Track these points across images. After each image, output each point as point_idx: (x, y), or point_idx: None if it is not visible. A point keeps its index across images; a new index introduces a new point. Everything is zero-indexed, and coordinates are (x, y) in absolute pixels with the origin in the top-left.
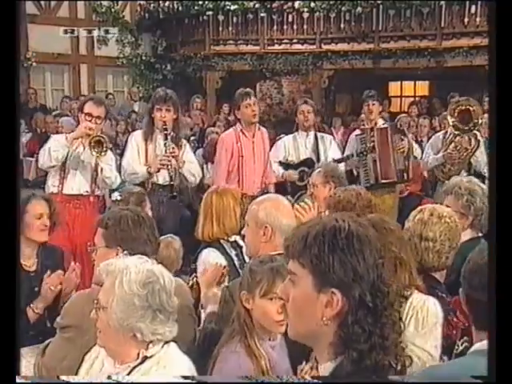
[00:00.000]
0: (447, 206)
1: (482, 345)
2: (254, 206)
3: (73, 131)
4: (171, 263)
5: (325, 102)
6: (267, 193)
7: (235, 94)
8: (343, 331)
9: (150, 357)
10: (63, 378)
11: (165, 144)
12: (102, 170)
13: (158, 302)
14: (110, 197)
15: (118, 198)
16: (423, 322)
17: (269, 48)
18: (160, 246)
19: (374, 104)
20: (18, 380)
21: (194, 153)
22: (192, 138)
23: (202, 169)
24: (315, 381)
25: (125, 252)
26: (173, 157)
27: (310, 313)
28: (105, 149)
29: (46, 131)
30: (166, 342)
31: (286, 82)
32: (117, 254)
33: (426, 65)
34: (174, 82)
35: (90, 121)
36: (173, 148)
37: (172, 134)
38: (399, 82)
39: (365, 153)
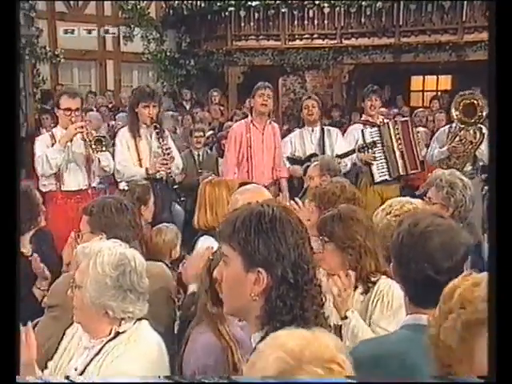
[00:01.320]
0: (429, 198)
1: (411, 318)
2: (236, 195)
3: (98, 126)
4: (159, 250)
5: (346, 96)
6: (278, 185)
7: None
8: (268, 305)
9: (122, 332)
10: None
11: (159, 144)
12: (99, 160)
13: (129, 283)
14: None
15: (126, 187)
16: (388, 305)
17: (290, 43)
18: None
19: (376, 100)
20: (17, 380)
21: (212, 147)
22: (210, 133)
23: (217, 163)
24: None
25: (100, 237)
26: (169, 157)
27: (240, 290)
28: (105, 145)
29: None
30: (139, 320)
31: (310, 77)
32: (100, 239)
33: (447, 59)
34: (197, 77)
35: (69, 115)
36: (168, 148)
37: (159, 127)
38: (421, 77)
39: (382, 146)
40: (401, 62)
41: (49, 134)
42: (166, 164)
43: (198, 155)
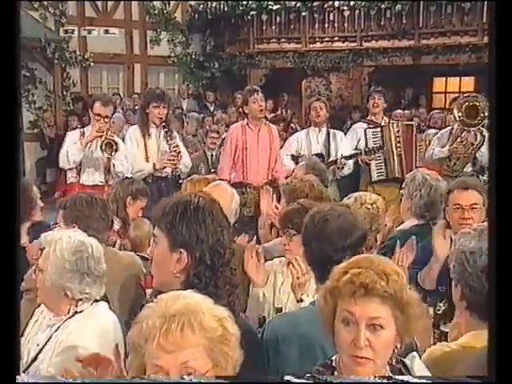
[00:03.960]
0: None
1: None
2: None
3: (121, 127)
4: (139, 242)
5: (366, 98)
6: (275, 185)
7: (244, 90)
8: (187, 282)
9: (80, 312)
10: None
11: (167, 142)
12: (114, 165)
13: (86, 267)
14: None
15: (129, 176)
16: None
17: (310, 46)
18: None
19: (379, 99)
20: (18, 380)
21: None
22: (225, 135)
23: None
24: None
25: (61, 226)
26: (177, 154)
27: (165, 267)
28: (115, 149)
29: None
30: (96, 301)
31: (335, 79)
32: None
33: (467, 61)
34: (221, 79)
35: (99, 120)
36: (176, 146)
37: (167, 127)
38: (444, 78)
39: (381, 147)
40: (420, 64)
41: (79, 131)
42: (173, 160)
43: (212, 155)
